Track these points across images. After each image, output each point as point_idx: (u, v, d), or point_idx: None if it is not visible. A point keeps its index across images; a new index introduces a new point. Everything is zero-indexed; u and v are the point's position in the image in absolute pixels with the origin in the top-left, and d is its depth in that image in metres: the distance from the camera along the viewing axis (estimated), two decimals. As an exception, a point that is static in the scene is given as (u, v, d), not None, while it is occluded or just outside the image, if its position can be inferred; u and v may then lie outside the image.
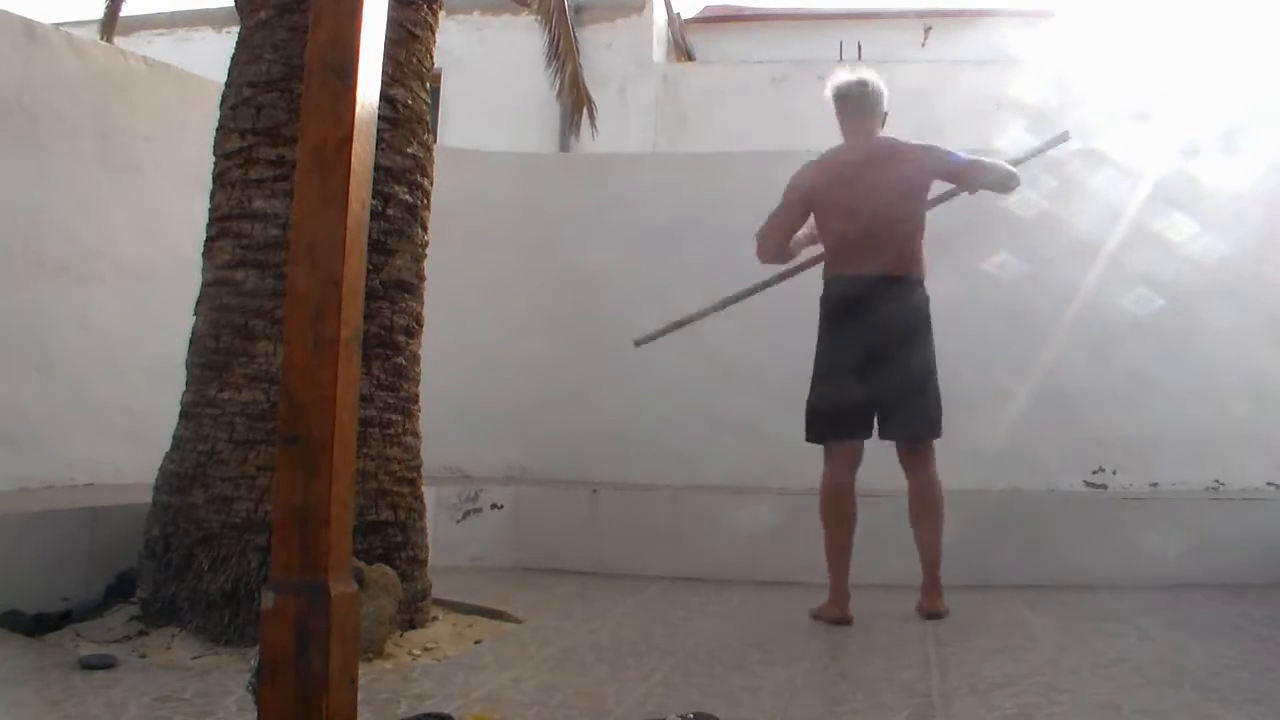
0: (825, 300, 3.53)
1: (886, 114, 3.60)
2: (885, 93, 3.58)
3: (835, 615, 3.37)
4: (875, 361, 3.40)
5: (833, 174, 3.55)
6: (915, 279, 3.49)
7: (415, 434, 3.19)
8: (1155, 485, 4.65)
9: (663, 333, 3.78)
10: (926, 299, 3.50)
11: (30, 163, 3.99)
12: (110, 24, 5.79)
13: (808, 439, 3.51)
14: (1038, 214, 4.55)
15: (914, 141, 3.59)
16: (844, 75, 3.62)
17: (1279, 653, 2.93)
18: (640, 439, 5.03)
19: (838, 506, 3.46)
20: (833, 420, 3.45)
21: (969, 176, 3.52)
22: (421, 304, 3.23)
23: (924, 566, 3.46)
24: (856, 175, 3.50)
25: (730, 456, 4.78)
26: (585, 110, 5.69)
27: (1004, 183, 3.51)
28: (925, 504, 3.44)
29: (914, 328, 3.45)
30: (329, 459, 1.63)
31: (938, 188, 3.61)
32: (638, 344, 3.83)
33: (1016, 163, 3.65)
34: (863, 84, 3.56)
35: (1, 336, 3.86)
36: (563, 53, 5.41)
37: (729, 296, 3.75)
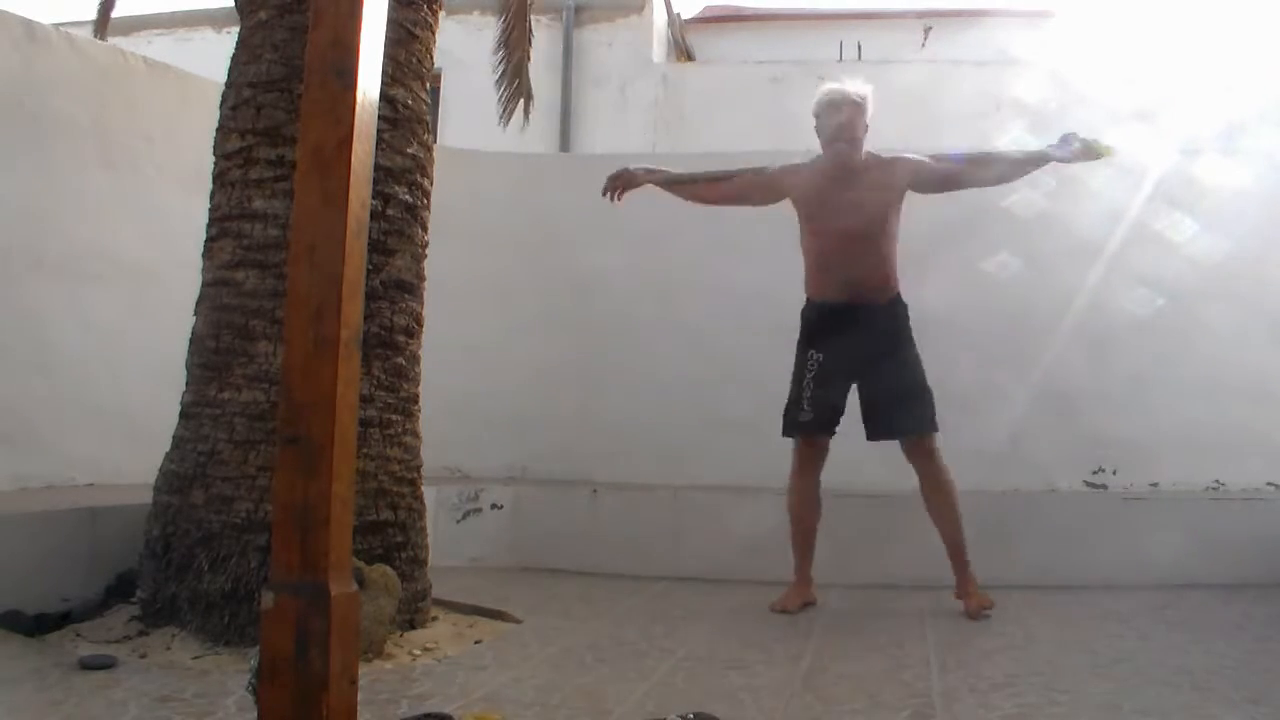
0: (805, 317, 3.64)
1: (868, 126, 3.56)
2: (865, 103, 3.52)
3: (798, 602, 3.56)
4: (855, 375, 3.55)
5: (815, 189, 3.60)
6: (890, 298, 3.58)
7: (415, 434, 3.19)
8: (1155, 485, 4.64)
9: None
10: (903, 312, 3.60)
11: (30, 163, 3.99)
12: (102, 24, 5.75)
13: (782, 434, 3.66)
14: (1038, 214, 4.54)
15: (887, 154, 3.58)
16: (827, 89, 3.60)
17: (1279, 653, 2.93)
18: (640, 439, 5.02)
19: (795, 496, 3.66)
20: (801, 419, 3.59)
21: (964, 177, 3.55)
22: (421, 304, 3.23)
23: (950, 559, 3.54)
24: (833, 197, 3.55)
25: (730, 456, 4.77)
26: (522, 102, 5.48)
27: (1009, 175, 3.56)
28: (934, 488, 3.54)
29: (894, 341, 3.56)
30: (329, 459, 1.63)
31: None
32: None
33: None
34: (840, 97, 3.53)
35: (1, 336, 3.86)
36: (514, 44, 5.29)
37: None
